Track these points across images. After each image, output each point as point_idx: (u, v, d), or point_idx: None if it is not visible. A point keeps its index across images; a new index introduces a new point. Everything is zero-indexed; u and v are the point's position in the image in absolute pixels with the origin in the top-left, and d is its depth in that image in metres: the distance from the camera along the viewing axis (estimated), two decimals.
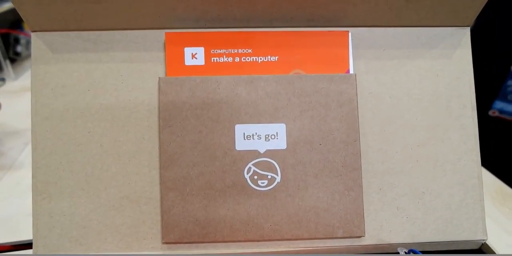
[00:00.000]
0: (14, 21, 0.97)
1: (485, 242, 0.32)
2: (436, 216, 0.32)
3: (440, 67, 0.34)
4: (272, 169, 0.31)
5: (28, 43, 1.02)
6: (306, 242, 0.32)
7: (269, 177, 0.31)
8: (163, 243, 0.31)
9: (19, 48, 0.97)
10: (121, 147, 0.32)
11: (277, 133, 0.31)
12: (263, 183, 0.31)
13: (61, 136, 0.32)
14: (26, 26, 1.04)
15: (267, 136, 0.31)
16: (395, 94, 0.33)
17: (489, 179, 0.49)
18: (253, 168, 0.31)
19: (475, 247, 0.33)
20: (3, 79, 0.50)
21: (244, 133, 0.31)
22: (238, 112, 0.31)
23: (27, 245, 0.39)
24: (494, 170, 0.51)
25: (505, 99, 0.82)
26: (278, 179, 0.31)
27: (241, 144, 0.31)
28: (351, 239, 0.32)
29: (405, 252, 0.29)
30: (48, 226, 0.31)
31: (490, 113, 0.84)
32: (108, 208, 0.32)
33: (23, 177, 0.51)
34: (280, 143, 0.31)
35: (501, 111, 0.83)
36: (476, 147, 0.33)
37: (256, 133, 0.31)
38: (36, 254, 0.31)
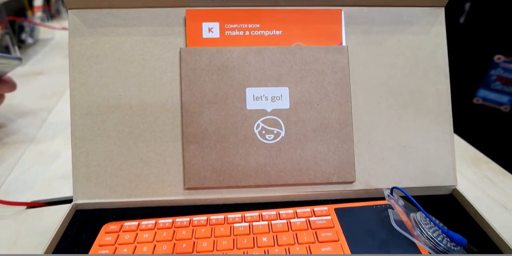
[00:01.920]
0: (18, 9, 1.01)
1: (455, 188, 0.38)
2: (415, 166, 0.38)
3: (419, 41, 0.39)
4: (277, 125, 0.37)
5: (32, 30, 1.05)
6: (306, 187, 0.37)
7: (275, 132, 0.37)
8: (185, 189, 0.37)
9: (23, 36, 1.00)
10: (147, 108, 0.37)
11: (281, 95, 0.37)
12: (270, 137, 0.37)
13: (95, 99, 0.37)
14: (29, 14, 1.07)
15: (273, 97, 0.37)
16: (381, 64, 0.39)
17: (466, 147, 0.56)
18: (261, 124, 0.37)
19: (447, 192, 0.39)
20: (20, 59, 0.54)
21: (253, 95, 0.37)
22: (248, 77, 0.37)
23: (58, 202, 0.44)
24: (484, 150, 0.56)
25: (488, 88, 0.87)
26: (282, 133, 0.37)
27: (251, 104, 0.37)
28: (344, 185, 0.38)
29: (389, 191, 0.35)
30: (86, 176, 0.37)
31: (475, 100, 0.89)
32: (137, 160, 0.37)
33: (46, 148, 0.55)
34: (284, 104, 0.37)
35: (484, 99, 0.88)
36: (448, 108, 0.39)
37: (263, 95, 0.37)
38: (76, 202, 0.36)
